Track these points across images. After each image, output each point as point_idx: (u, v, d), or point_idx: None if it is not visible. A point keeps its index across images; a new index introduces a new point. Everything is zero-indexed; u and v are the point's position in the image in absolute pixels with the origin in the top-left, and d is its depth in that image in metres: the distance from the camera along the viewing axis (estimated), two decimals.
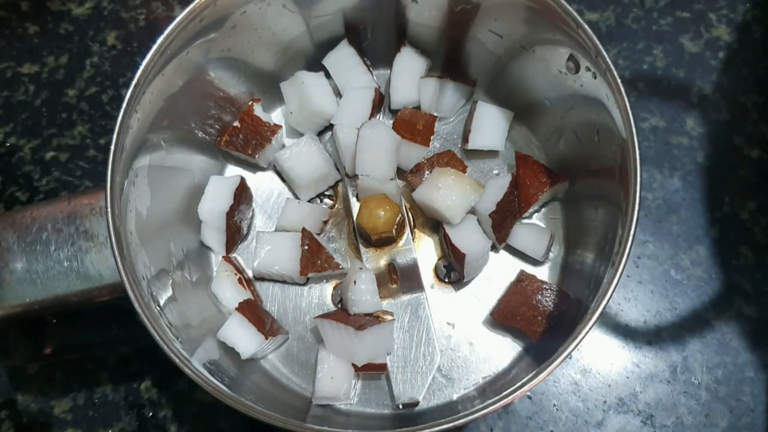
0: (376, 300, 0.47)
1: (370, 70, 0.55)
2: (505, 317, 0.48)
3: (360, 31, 0.54)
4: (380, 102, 0.54)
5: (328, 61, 0.54)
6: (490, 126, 0.53)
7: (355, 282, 0.46)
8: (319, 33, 0.53)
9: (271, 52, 0.52)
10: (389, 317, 0.48)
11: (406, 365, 0.48)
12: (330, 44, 0.54)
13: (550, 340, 0.45)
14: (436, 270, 0.51)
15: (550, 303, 0.48)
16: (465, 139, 0.53)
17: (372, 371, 0.48)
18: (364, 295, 0.46)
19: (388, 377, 0.48)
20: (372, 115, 0.53)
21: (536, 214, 0.52)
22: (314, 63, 0.55)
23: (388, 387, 0.48)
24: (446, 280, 0.51)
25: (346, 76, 0.54)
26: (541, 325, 0.47)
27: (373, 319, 0.47)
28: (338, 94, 0.55)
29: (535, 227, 0.52)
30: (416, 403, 0.47)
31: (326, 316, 0.47)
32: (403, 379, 0.47)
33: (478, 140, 0.52)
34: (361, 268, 0.47)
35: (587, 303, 0.42)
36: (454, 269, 0.51)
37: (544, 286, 0.48)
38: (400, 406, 0.47)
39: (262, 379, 0.48)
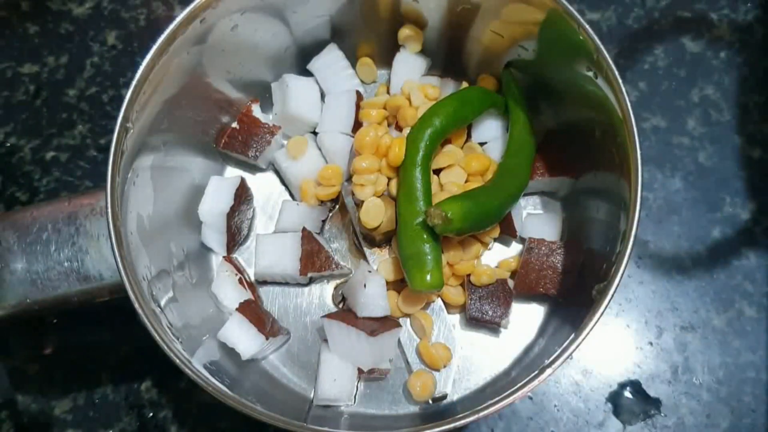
0: (386, 304, 0.47)
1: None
2: (528, 287, 0.48)
3: (351, 33, 0.53)
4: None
5: (315, 65, 0.54)
6: (490, 116, 0.52)
7: (365, 286, 0.46)
8: (318, 33, 0.53)
9: (271, 52, 0.52)
10: (396, 323, 0.48)
11: None
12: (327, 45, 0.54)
13: (578, 296, 0.44)
14: None
15: (566, 260, 0.48)
16: (467, 134, 0.53)
17: (375, 375, 0.48)
18: (375, 299, 0.46)
19: None
20: (356, 118, 0.52)
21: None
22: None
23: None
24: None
25: (332, 80, 0.54)
26: (564, 283, 0.48)
27: (382, 324, 0.46)
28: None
29: (543, 215, 0.52)
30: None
31: (334, 316, 0.47)
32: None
33: (481, 133, 0.52)
34: (370, 272, 0.47)
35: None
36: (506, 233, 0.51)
37: (555, 245, 0.49)
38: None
39: (262, 380, 0.48)
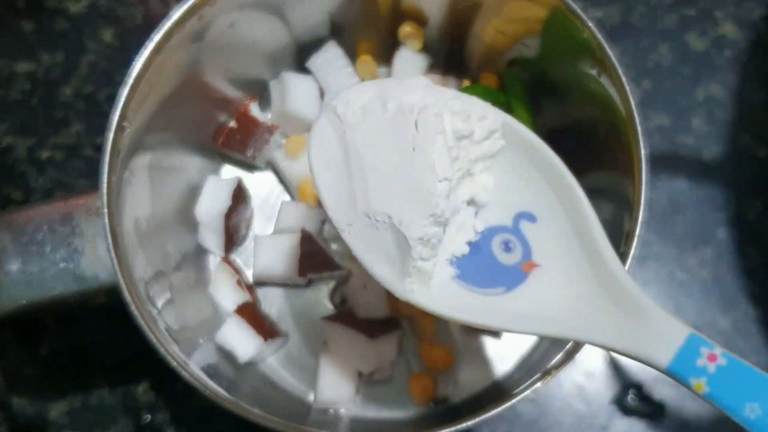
0: (386, 306, 0.46)
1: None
2: None
3: (351, 31, 0.53)
4: None
5: (314, 63, 0.53)
6: None
7: (365, 287, 0.46)
8: (317, 31, 0.52)
9: (269, 50, 0.52)
10: (397, 325, 0.47)
11: None
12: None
13: None
14: None
15: None
16: None
17: (375, 378, 0.48)
18: (375, 300, 0.46)
19: None
20: None
21: None
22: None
23: None
24: None
25: (332, 78, 0.53)
26: None
27: (383, 326, 0.46)
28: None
29: None
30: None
31: (333, 318, 0.47)
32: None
33: None
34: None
35: None
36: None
37: None
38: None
39: (261, 383, 0.48)
